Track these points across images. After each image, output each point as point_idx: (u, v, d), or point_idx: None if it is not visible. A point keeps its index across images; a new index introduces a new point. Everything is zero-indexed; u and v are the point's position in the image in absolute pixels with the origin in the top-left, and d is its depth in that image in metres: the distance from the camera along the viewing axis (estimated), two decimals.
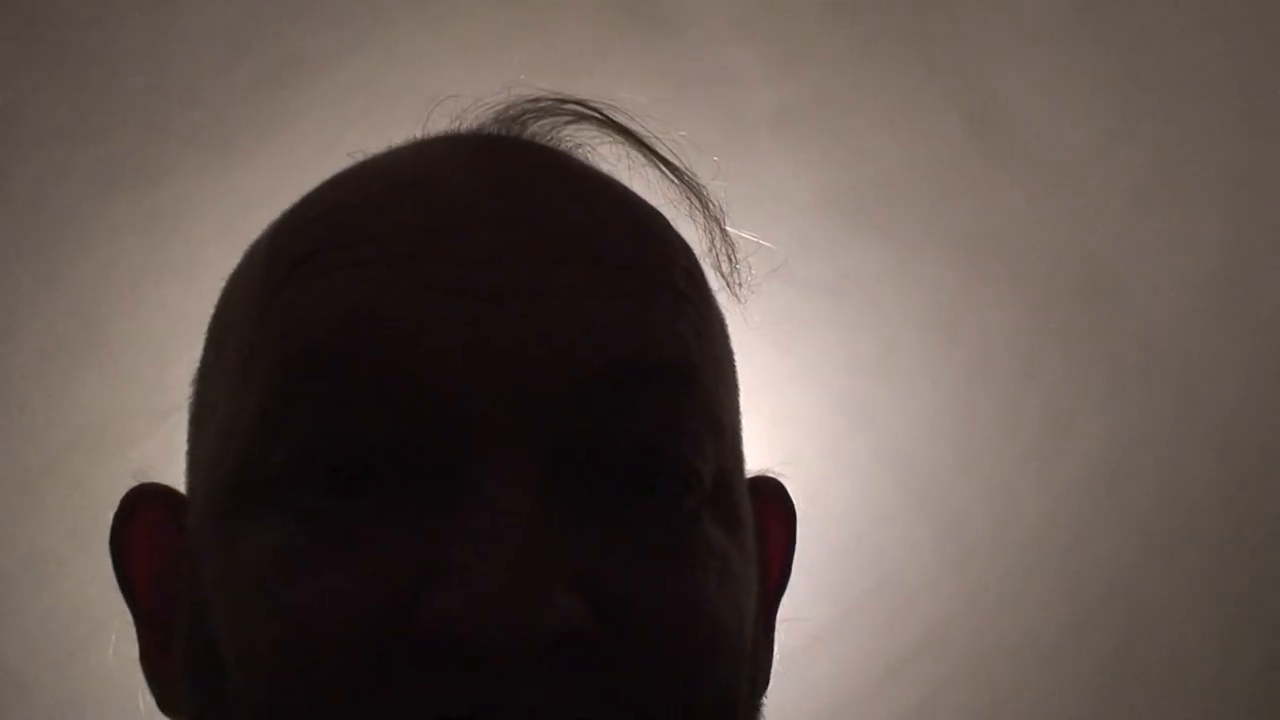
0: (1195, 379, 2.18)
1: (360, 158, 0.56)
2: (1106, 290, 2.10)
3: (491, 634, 0.42)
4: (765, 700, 0.56)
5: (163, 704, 0.56)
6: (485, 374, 0.47)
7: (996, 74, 1.93)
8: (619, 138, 0.60)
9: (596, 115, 0.60)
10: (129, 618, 0.58)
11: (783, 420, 2.11)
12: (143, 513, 0.58)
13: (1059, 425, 2.20)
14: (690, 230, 0.59)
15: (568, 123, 0.58)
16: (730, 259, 0.62)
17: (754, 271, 0.61)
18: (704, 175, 0.61)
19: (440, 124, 0.58)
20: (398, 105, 1.84)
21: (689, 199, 0.61)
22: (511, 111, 0.58)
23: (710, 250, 0.61)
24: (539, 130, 0.58)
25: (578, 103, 0.60)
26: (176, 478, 0.58)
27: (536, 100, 0.59)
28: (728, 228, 0.62)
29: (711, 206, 0.62)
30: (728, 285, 0.61)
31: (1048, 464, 2.22)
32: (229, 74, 1.76)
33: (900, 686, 2.34)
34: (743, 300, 0.62)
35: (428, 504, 0.46)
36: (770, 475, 0.63)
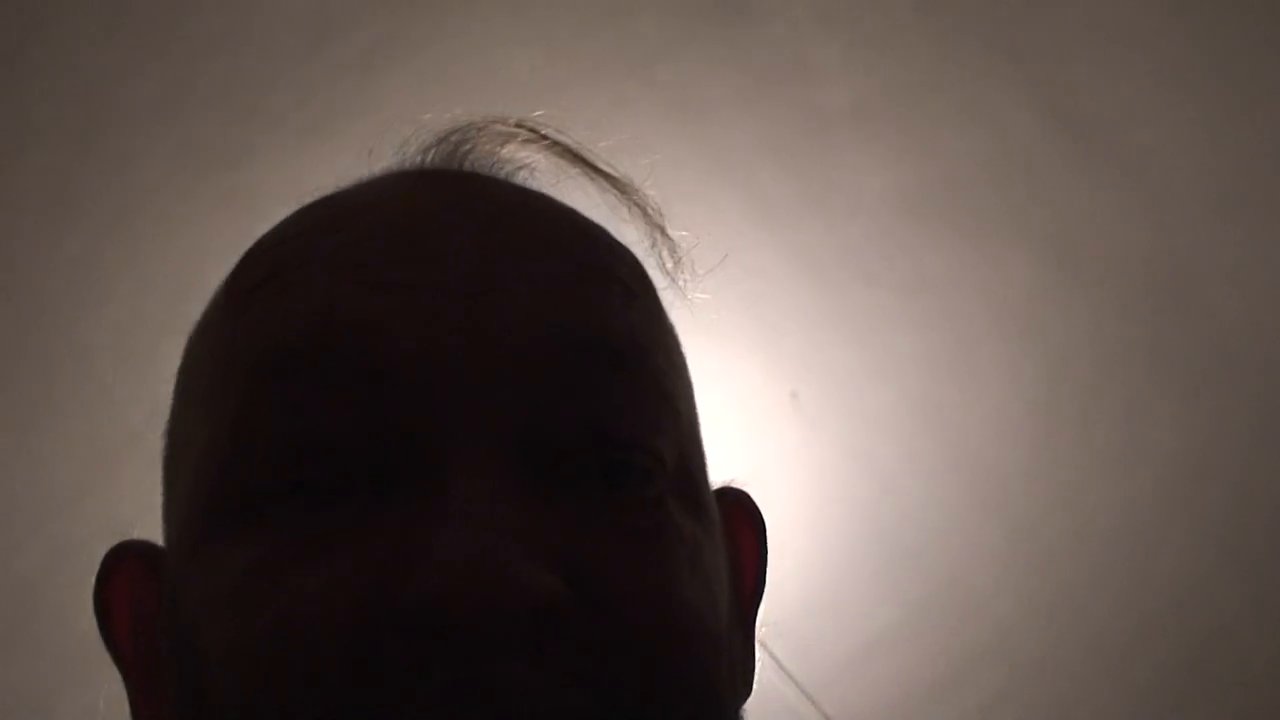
0: (1274, 385, 2.15)
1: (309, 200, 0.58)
2: (1186, 294, 2.08)
3: (470, 607, 0.42)
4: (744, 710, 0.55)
5: None
6: (448, 362, 0.48)
7: (1079, 73, 1.91)
8: (554, 151, 0.61)
9: (532, 132, 0.61)
10: (118, 675, 0.58)
11: (855, 418, 2.10)
12: (122, 570, 0.59)
13: (1135, 430, 2.18)
14: (633, 236, 0.60)
15: (504, 143, 0.60)
16: (673, 257, 0.62)
17: (697, 269, 0.62)
18: (641, 180, 0.62)
19: (385, 152, 0.60)
20: (478, 92, 1.85)
21: (627, 203, 0.62)
22: (453, 136, 0.59)
23: (653, 249, 0.61)
24: (478, 154, 0.59)
25: (516, 123, 0.61)
26: None
27: (473, 124, 0.60)
28: (667, 229, 0.62)
29: (650, 209, 0.62)
30: (673, 282, 0.61)
31: (1122, 469, 2.20)
32: (313, 58, 1.77)
33: (966, 689, 2.33)
34: (690, 298, 0.62)
35: (401, 504, 0.46)
36: (735, 487, 0.63)
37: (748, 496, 0.63)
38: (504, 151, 0.59)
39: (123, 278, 1.84)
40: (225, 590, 0.47)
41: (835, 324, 2.04)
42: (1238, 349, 2.12)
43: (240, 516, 0.48)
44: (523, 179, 0.59)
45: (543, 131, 0.61)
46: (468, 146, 0.59)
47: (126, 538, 0.60)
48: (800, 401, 2.06)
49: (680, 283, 0.62)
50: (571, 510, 0.47)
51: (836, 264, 2.00)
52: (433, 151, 0.59)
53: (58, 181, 1.79)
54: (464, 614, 0.43)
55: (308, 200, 0.57)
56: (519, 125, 0.61)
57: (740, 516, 0.61)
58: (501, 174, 0.59)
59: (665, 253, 0.62)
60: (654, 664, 0.46)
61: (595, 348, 0.50)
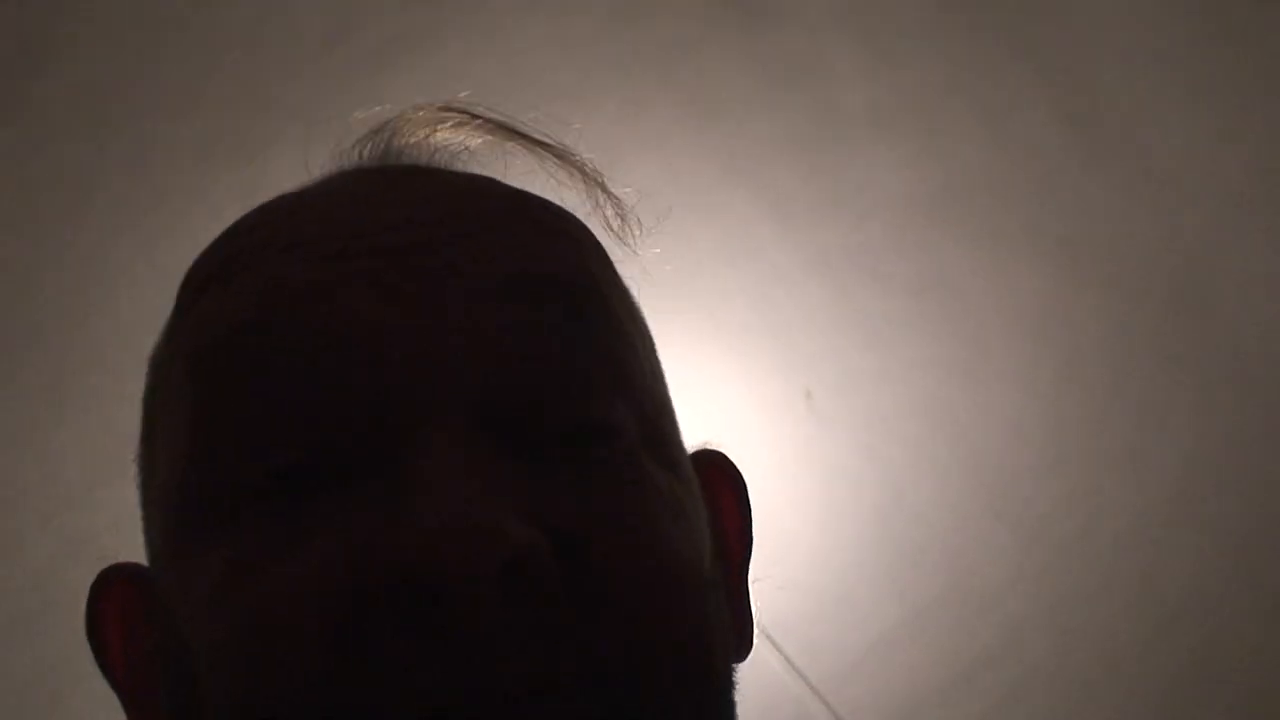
0: None
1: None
2: (1199, 296, 2.07)
3: (447, 563, 0.42)
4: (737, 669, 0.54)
5: None
6: (398, 324, 0.47)
7: (1095, 75, 1.91)
8: (489, 130, 0.60)
9: (462, 114, 0.60)
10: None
11: (867, 418, 2.10)
12: (111, 594, 0.58)
13: (1146, 432, 2.18)
14: (575, 201, 0.60)
15: (434, 129, 0.59)
16: (618, 214, 0.62)
17: (643, 223, 0.61)
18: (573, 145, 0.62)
19: (321, 152, 0.60)
20: (494, 88, 1.85)
21: (566, 167, 0.61)
22: (383, 131, 0.59)
23: (596, 208, 0.61)
24: (410, 143, 0.59)
25: (442, 107, 0.60)
26: None
27: (401, 115, 0.60)
28: (608, 186, 0.62)
29: (588, 169, 0.61)
30: (618, 239, 0.61)
31: (1133, 471, 2.20)
32: (330, 52, 1.77)
33: (975, 689, 2.32)
34: (637, 252, 0.61)
35: (368, 483, 0.46)
36: (712, 448, 0.62)
37: (724, 457, 0.62)
38: (436, 138, 0.59)
39: (137, 272, 1.85)
40: (205, 594, 0.47)
41: (849, 325, 2.04)
42: (1250, 351, 2.12)
43: (211, 518, 0.48)
44: (463, 164, 0.59)
45: (471, 110, 0.60)
46: (400, 139, 0.59)
47: (112, 562, 0.60)
48: (814, 401, 2.06)
49: (628, 240, 0.61)
50: (541, 466, 0.47)
51: (851, 265, 1.99)
52: (367, 147, 0.59)
53: (73, 176, 1.79)
54: (437, 574, 0.42)
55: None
56: (446, 109, 0.60)
57: (719, 478, 0.61)
58: (440, 161, 0.59)
59: (609, 212, 0.61)
60: (637, 609, 0.46)
61: (549, 291, 0.50)
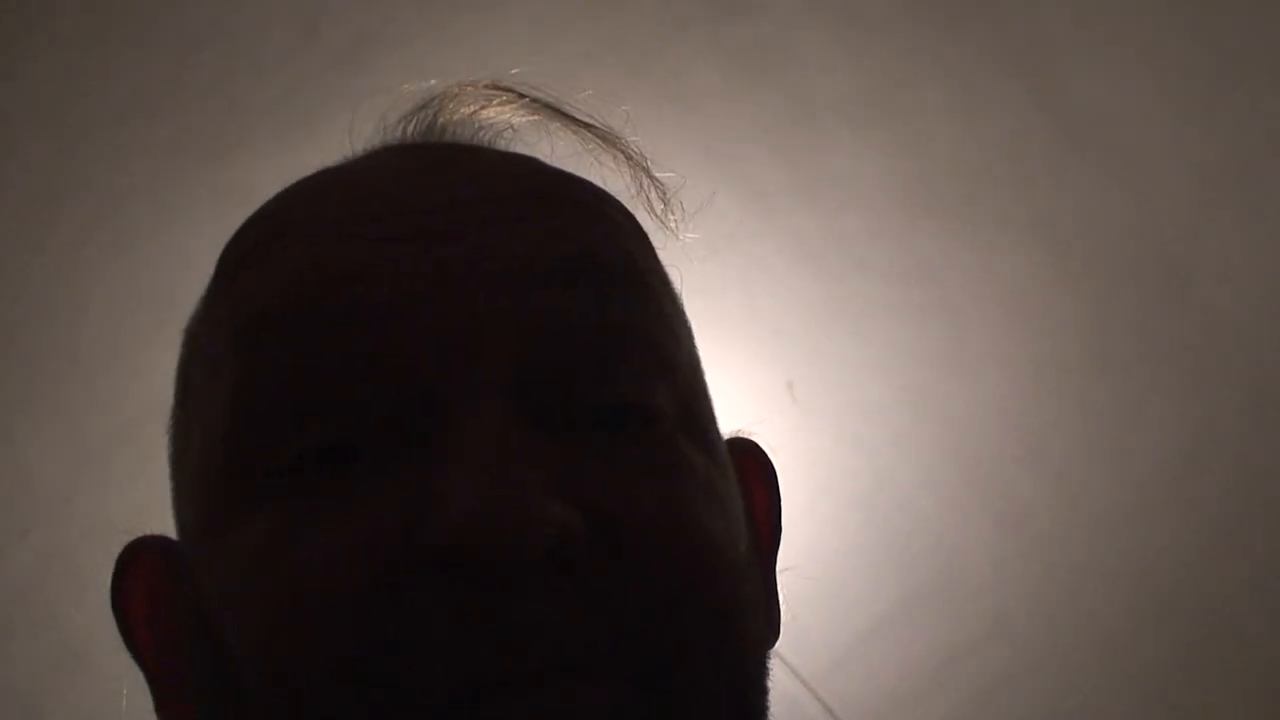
0: (1266, 370, 2.15)
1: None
2: (1178, 280, 2.08)
3: (491, 538, 0.42)
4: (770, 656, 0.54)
5: None
6: (441, 302, 0.47)
7: (1070, 61, 1.91)
8: (534, 109, 0.60)
9: (508, 92, 0.60)
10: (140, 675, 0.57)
11: (850, 407, 2.10)
12: (137, 567, 0.58)
13: (1128, 416, 2.18)
14: (619, 186, 0.59)
15: (481, 108, 0.59)
16: (661, 199, 0.61)
17: (686, 210, 0.61)
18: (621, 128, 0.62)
19: (364, 126, 0.59)
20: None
21: (610, 150, 0.61)
22: (429, 107, 0.59)
23: (639, 193, 0.61)
24: (456, 121, 0.58)
25: (489, 84, 0.60)
26: None
27: (448, 91, 0.60)
28: (652, 171, 0.61)
29: (633, 152, 0.61)
30: (660, 223, 0.61)
31: (1116, 455, 2.20)
32: (300, 53, 1.76)
33: (963, 675, 2.33)
34: (679, 237, 0.61)
35: (406, 456, 0.46)
36: (744, 436, 0.62)
37: (756, 445, 0.62)
38: (482, 116, 0.59)
39: (110, 275, 1.83)
40: (241, 565, 0.47)
41: (829, 313, 2.03)
42: (1228, 335, 2.12)
43: (249, 490, 0.48)
44: (506, 142, 0.59)
45: (518, 90, 0.60)
46: (445, 116, 0.59)
47: (132, 536, 0.59)
48: (795, 391, 2.06)
49: (670, 223, 0.61)
50: (578, 446, 0.47)
51: (830, 254, 1.99)
52: (412, 122, 0.59)
53: (44, 177, 1.78)
54: (480, 550, 0.42)
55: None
56: (493, 87, 0.60)
57: (751, 466, 0.61)
58: (484, 140, 0.58)
59: (652, 195, 0.61)
60: (672, 589, 0.46)
61: (590, 274, 0.49)
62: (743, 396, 2.01)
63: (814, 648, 2.19)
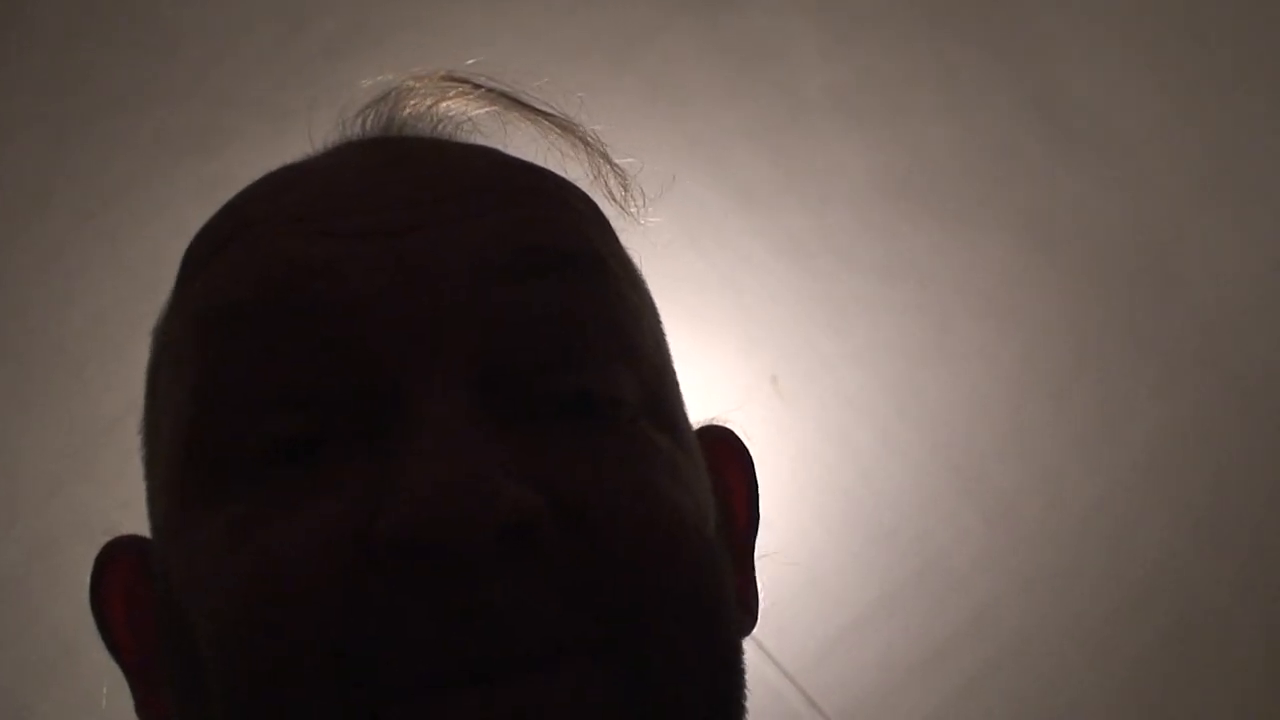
0: (1250, 366, 2.16)
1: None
2: (1163, 276, 2.08)
3: (445, 524, 0.42)
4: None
5: None
6: (400, 295, 0.47)
7: (1057, 56, 1.91)
8: (491, 99, 0.60)
9: (464, 83, 0.60)
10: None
11: (833, 402, 2.10)
12: (115, 567, 0.58)
13: (1111, 411, 2.18)
14: (579, 173, 0.60)
15: (438, 100, 0.59)
16: (621, 184, 0.62)
17: (645, 192, 0.61)
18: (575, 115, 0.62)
19: (325, 120, 0.59)
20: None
21: (568, 138, 0.61)
22: (386, 101, 0.59)
23: (598, 178, 0.61)
24: (413, 114, 0.59)
25: (445, 76, 0.60)
26: None
27: (404, 84, 0.60)
28: (611, 156, 0.62)
29: (590, 139, 0.61)
30: (621, 208, 0.61)
31: (1099, 450, 2.21)
32: (288, 46, 1.76)
33: (946, 670, 2.33)
34: (641, 222, 0.61)
35: (367, 446, 0.46)
36: (719, 423, 0.62)
37: (729, 432, 0.62)
38: (440, 109, 0.59)
39: (99, 267, 1.83)
40: (208, 555, 0.47)
41: (814, 308, 2.04)
42: (1214, 330, 2.13)
43: (212, 483, 0.48)
44: (465, 134, 0.59)
45: (474, 80, 0.60)
46: (403, 109, 0.59)
47: (114, 535, 0.59)
48: (780, 385, 2.06)
49: (631, 209, 0.61)
50: (539, 431, 0.47)
51: (815, 249, 1.99)
52: (370, 116, 0.59)
53: (32, 171, 1.78)
54: (435, 535, 0.42)
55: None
56: (450, 78, 0.60)
57: (725, 453, 0.61)
58: (443, 132, 0.59)
59: (611, 181, 0.61)
60: (640, 566, 0.46)
61: (550, 261, 0.50)
62: (727, 390, 2.01)
63: (797, 640, 2.20)
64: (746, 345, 2.03)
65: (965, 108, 1.93)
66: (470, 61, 0.61)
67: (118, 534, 0.60)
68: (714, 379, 2.00)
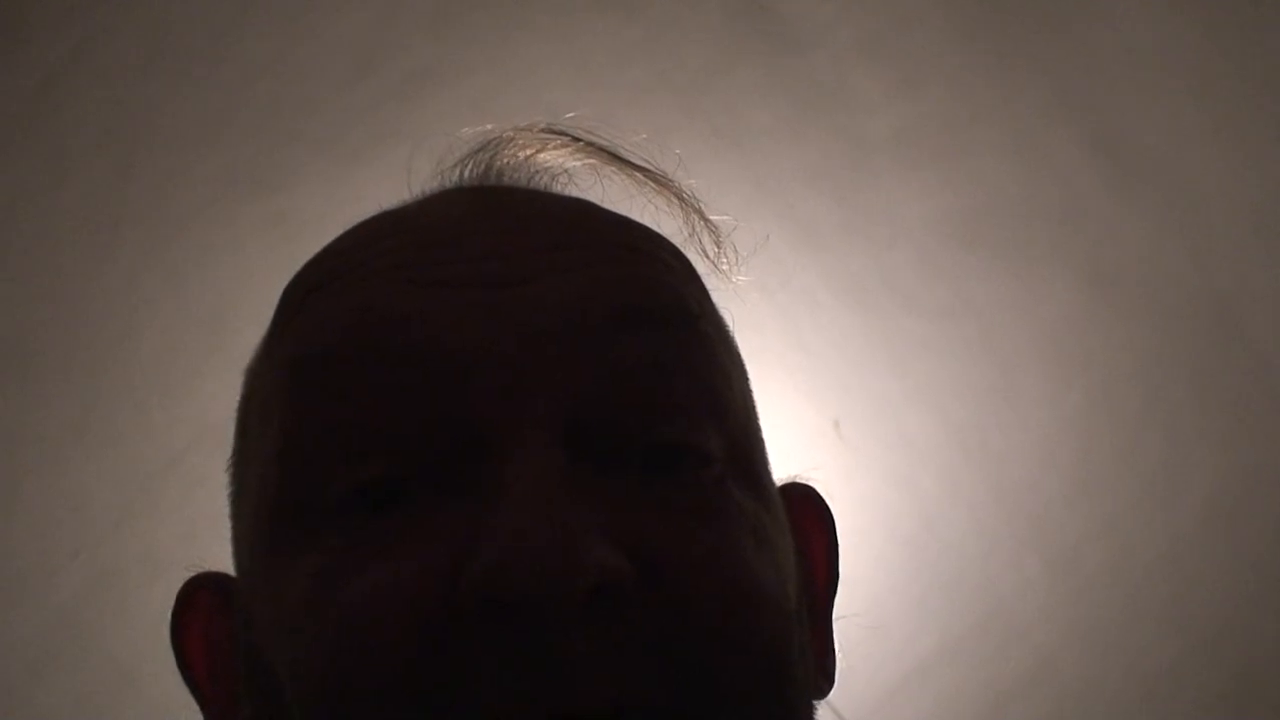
0: None
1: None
2: (1228, 323, 2.06)
3: (534, 580, 0.42)
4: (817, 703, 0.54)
5: None
6: (492, 348, 0.47)
7: (1121, 101, 1.90)
8: (588, 153, 0.61)
9: (562, 136, 0.61)
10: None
11: (897, 446, 2.09)
12: (197, 602, 0.59)
13: (1177, 460, 2.16)
14: (672, 228, 0.60)
15: (536, 151, 0.60)
16: (714, 242, 0.62)
17: (740, 253, 0.61)
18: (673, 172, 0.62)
19: (425, 170, 0.60)
20: (519, 121, 1.85)
21: (663, 193, 0.62)
22: (485, 150, 0.60)
23: (692, 235, 0.61)
24: (511, 164, 0.59)
25: (544, 129, 0.61)
26: None
27: (503, 136, 0.60)
28: (706, 213, 0.62)
29: (686, 195, 0.62)
30: (714, 266, 0.61)
31: (1165, 499, 2.19)
32: (355, 86, 1.78)
33: (1008, 719, 2.31)
34: (732, 280, 0.61)
35: (453, 497, 0.46)
36: (801, 481, 0.62)
37: (814, 492, 0.62)
38: (538, 160, 0.59)
39: (164, 303, 1.85)
40: (290, 603, 0.48)
41: (877, 351, 2.03)
42: None
43: (299, 528, 0.48)
44: (561, 185, 0.59)
45: (573, 134, 0.61)
46: (501, 159, 0.59)
47: (190, 569, 0.60)
48: (842, 430, 2.05)
49: (723, 266, 0.61)
50: (627, 489, 0.47)
51: (878, 291, 1.99)
52: (468, 166, 0.59)
53: (99, 207, 1.80)
54: (522, 590, 0.42)
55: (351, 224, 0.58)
56: (548, 131, 0.61)
57: (808, 512, 0.61)
58: (539, 183, 0.59)
59: (705, 238, 0.61)
60: (719, 633, 0.46)
61: (644, 319, 0.50)
62: (790, 434, 2.00)
63: (858, 689, 2.18)
64: (809, 389, 2.03)
65: (1028, 151, 1.93)
66: (569, 115, 0.61)
67: (185, 566, 0.60)
68: (776, 423, 1.98)
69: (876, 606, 2.16)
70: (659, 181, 0.61)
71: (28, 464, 1.91)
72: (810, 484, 0.62)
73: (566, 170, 0.59)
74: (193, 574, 0.60)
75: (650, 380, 0.49)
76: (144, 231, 1.82)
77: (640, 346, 0.49)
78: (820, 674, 0.57)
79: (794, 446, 2.03)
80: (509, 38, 1.78)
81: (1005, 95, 1.89)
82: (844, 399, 2.05)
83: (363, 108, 1.78)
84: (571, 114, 0.62)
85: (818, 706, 0.52)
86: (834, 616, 0.61)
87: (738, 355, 0.56)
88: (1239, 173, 1.96)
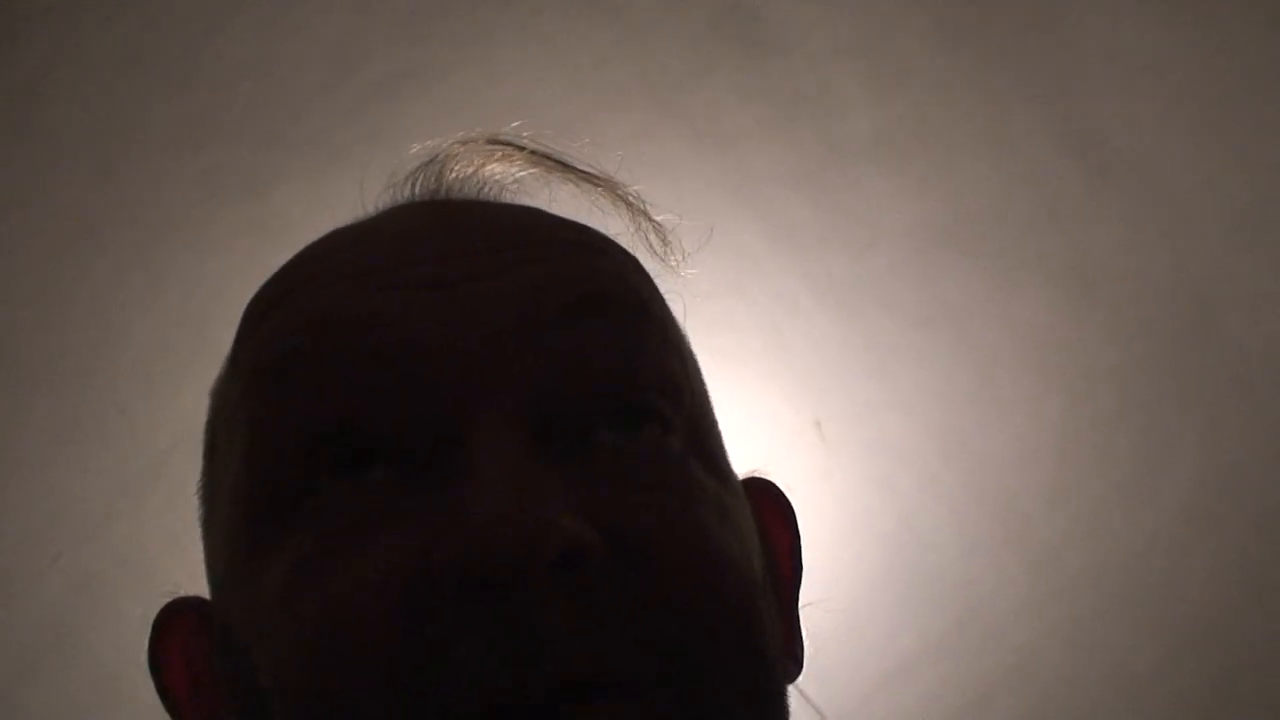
0: None
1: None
2: (1206, 324, 2.07)
3: (501, 552, 0.43)
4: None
5: None
6: (455, 343, 0.49)
7: (1099, 104, 1.91)
8: (535, 162, 0.62)
9: (508, 146, 0.62)
10: None
11: (877, 448, 2.10)
12: (174, 625, 0.59)
13: (1155, 460, 2.17)
14: (619, 228, 0.62)
15: (483, 162, 0.61)
16: (660, 239, 0.63)
17: (685, 247, 0.63)
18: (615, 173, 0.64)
19: (373, 162, 0.62)
20: (499, 121, 1.85)
21: (609, 196, 0.63)
22: (433, 164, 0.61)
23: (638, 232, 0.63)
24: (460, 177, 0.60)
25: (489, 139, 0.62)
26: None
27: (450, 149, 0.62)
28: (651, 213, 0.64)
29: (631, 197, 0.63)
30: (661, 262, 0.62)
31: (1143, 498, 2.20)
32: (336, 87, 1.78)
33: (988, 717, 2.31)
34: (681, 274, 0.63)
35: (422, 485, 0.47)
36: (759, 475, 0.63)
37: (772, 484, 0.63)
38: (485, 171, 0.61)
39: (146, 306, 1.85)
40: (268, 603, 0.48)
41: (857, 354, 2.04)
42: (1259, 378, 2.12)
43: (272, 526, 0.49)
44: (510, 195, 0.61)
45: (518, 143, 0.62)
46: (449, 173, 0.60)
47: (169, 589, 0.60)
48: (823, 431, 2.06)
49: (670, 262, 0.63)
50: (591, 466, 0.48)
51: (858, 294, 1.99)
52: (419, 180, 0.60)
53: (81, 210, 1.80)
54: (490, 564, 0.43)
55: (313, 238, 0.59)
56: (494, 141, 0.62)
57: (769, 505, 0.62)
58: (488, 194, 0.60)
59: (652, 236, 0.63)
60: (690, 603, 0.47)
61: (597, 308, 0.51)
62: (771, 435, 2.01)
63: (839, 687, 2.19)
64: (789, 391, 2.03)
65: (1009, 155, 1.93)
66: (514, 124, 0.62)
67: (164, 575, 0.61)
68: (757, 425, 2.00)
69: (856, 605, 2.17)
70: (604, 185, 0.63)
71: (10, 466, 1.91)
72: (768, 476, 0.63)
73: (515, 179, 0.61)
74: (169, 599, 0.60)
75: (608, 362, 0.50)
76: (126, 234, 1.82)
77: (596, 333, 0.51)
78: (789, 657, 0.57)
79: (775, 447, 2.04)
80: (490, 40, 1.78)
81: (985, 98, 1.90)
82: (824, 400, 2.05)
83: (344, 110, 1.79)
84: (516, 122, 0.63)
85: (790, 695, 0.53)
86: (806, 607, 0.62)
87: (688, 346, 0.58)
88: (1217, 175, 1.97)
